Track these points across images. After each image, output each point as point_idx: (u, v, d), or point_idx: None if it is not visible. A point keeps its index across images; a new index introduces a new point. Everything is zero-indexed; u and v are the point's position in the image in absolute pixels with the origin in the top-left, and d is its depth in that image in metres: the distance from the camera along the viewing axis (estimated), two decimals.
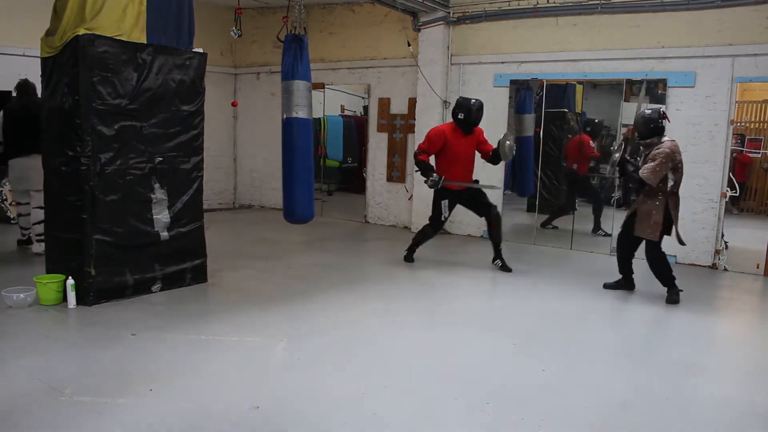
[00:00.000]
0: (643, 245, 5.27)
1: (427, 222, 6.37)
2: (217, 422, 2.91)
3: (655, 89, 7.09)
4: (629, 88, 7.26)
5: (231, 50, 10.29)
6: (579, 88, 7.80)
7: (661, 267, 5.20)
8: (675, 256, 6.79)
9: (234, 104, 9.92)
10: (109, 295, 4.64)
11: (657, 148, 5.00)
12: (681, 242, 5.16)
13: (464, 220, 8.21)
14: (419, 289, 5.66)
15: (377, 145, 9.03)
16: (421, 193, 8.36)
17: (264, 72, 10.10)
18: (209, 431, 2.85)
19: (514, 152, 6.27)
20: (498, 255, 6.25)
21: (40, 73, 4.75)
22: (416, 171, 6.30)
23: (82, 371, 3.41)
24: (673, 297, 5.14)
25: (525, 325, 4.61)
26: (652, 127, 5.08)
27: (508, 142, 6.11)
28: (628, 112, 7.40)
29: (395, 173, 8.86)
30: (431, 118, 8.16)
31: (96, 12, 4.45)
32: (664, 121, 5.11)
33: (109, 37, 4.48)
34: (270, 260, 6.39)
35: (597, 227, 7.80)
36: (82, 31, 4.36)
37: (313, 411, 3.05)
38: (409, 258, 6.51)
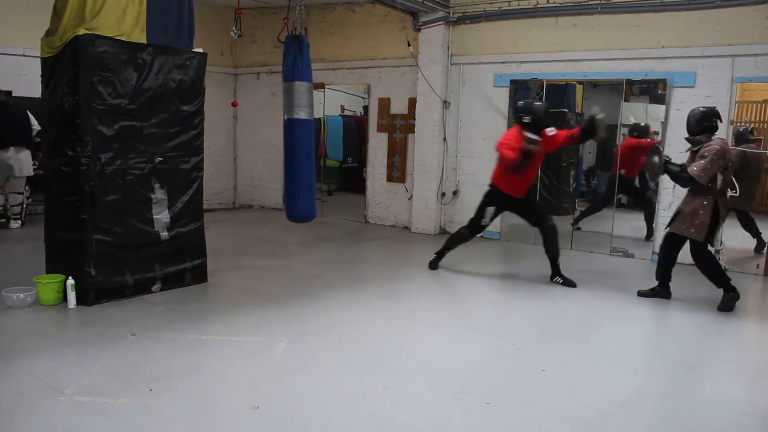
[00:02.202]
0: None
1: (465, 225, 5.99)
2: (217, 422, 2.91)
3: (655, 89, 7.09)
4: (629, 88, 7.26)
5: (231, 50, 10.29)
6: (579, 88, 7.79)
7: (711, 268, 4.99)
8: None
9: (234, 104, 9.92)
10: (109, 295, 4.64)
11: (707, 146, 4.81)
12: (714, 245, 5.01)
13: (464, 220, 8.16)
14: (419, 289, 5.66)
15: (377, 145, 9.03)
16: (420, 193, 8.38)
17: (264, 72, 10.11)
18: (209, 431, 2.85)
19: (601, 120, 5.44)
20: (557, 271, 5.70)
21: (40, 73, 4.74)
22: (531, 146, 5.25)
23: (82, 371, 3.41)
24: (726, 303, 4.93)
25: (525, 325, 4.62)
26: (705, 125, 4.87)
27: (599, 116, 5.33)
28: (629, 112, 7.42)
29: (395, 173, 8.86)
30: (431, 118, 8.17)
31: (96, 12, 4.45)
32: (717, 121, 4.92)
33: (109, 37, 4.48)
34: (270, 260, 6.39)
35: (650, 234, 7.29)
36: (82, 31, 4.36)
37: (313, 411, 3.05)
38: (434, 265, 6.12)
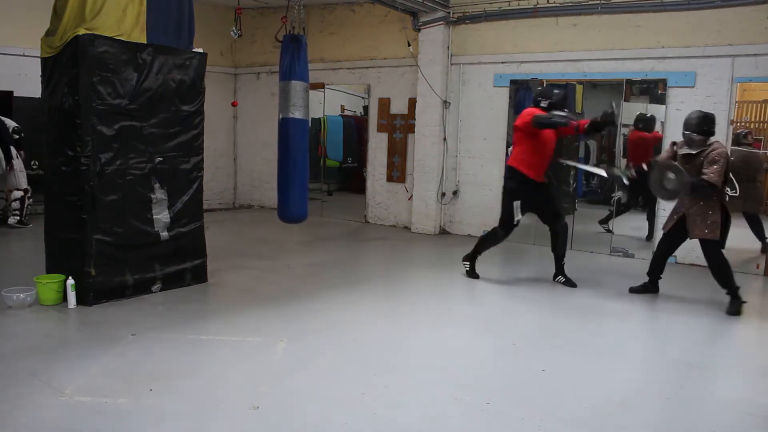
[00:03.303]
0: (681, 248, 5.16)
1: (497, 225, 5.78)
2: (217, 422, 2.91)
3: (655, 89, 7.09)
4: (629, 88, 7.26)
5: (231, 50, 10.30)
6: (579, 88, 7.79)
7: (723, 270, 4.96)
8: (675, 257, 6.79)
9: (234, 104, 9.92)
10: (109, 295, 4.64)
11: (714, 150, 4.82)
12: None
13: (464, 220, 8.22)
14: (419, 289, 5.66)
15: (377, 145, 9.04)
16: (420, 193, 8.38)
17: (264, 72, 10.11)
18: (209, 431, 2.85)
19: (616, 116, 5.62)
20: (560, 271, 5.68)
21: (40, 73, 4.74)
22: (559, 117, 5.28)
23: (82, 371, 3.41)
24: (735, 307, 4.89)
25: (525, 325, 4.62)
26: (705, 129, 4.87)
27: (612, 110, 5.23)
28: (628, 112, 7.42)
29: (395, 173, 8.86)
30: (431, 118, 8.17)
31: (96, 12, 4.45)
32: (714, 127, 4.95)
33: (109, 37, 4.48)
34: (270, 260, 6.39)
35: (651, 234, 7.28)
36: (82, 31, 4.36)
37: (313, 411, 3.05)
38: (472, 272, 5.86)
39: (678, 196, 4.95)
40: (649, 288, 5.45)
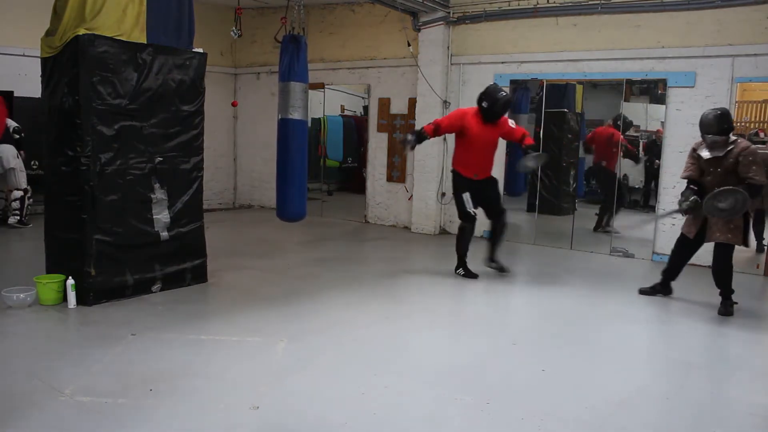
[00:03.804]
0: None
1: (460, 222, 5.94)
2: (217, 422, 2.91)
3: (655, 89, 7.09)
4: (629, 88, 7.26)
5: (231, 50, 10.29)
6: (579, 88, 7.79)
7: (727, 273, 4.91)
8: None
9: (234, 104, 9.92)
10: (109, 295, 4.64)
11: (741, 149, 4.69)
12: (747, 245, 4.93)
13: None
14: (419, 289, 5.66)
15: (377, 145, 9.03)
16: (420, 193, 8.38)
17: (264, 72, 10.10)
18: (209, 431, 2.85)
19: (528, 168, 6.08)
20: (494, 256, 5.95)
21: (40, 73, 4.74)
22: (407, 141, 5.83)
23: (82, 371, 3.41)
24: (728, 308, 4.91)
25: (525, 325, 4.62)
26: (725, 128, 4.73)
27: (529, 164, 5.89)
28: (628, 112, 7.42)
29: (395, 173, 8.86)
30: (431, 118, 8.12)
31: (96, 12, 4.44)
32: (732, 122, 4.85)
33: (109, 37, 4.48)
34: (270, 260, 6.39)
35: (599, 226, 7.75)
36: (82, 31, 4.36)
37: (313, 411, 3.05)
38: (469, 274, 5.88)
39: (741, 210, 4.68)
40: (659, 289, 5.32)
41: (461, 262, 5.93)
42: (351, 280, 5.71)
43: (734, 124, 4.84)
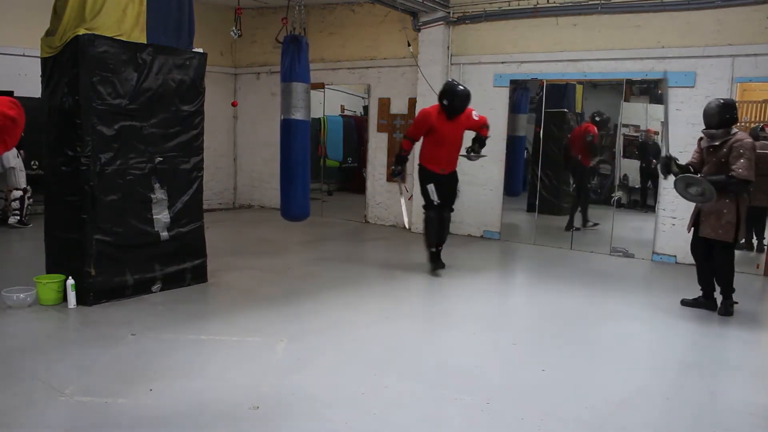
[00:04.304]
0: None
1: (424, 212, 6.05)
2: (217, 422, 2.91)
3: (655, 89, 7.09)
4: (629, 88, 7.26)
5: (231, 50, 10.29)
6: (579, 88, 7.79)
7: (729, 274, 4.82)
8: (675, 257, 6.80)
9: (234, 104, 9.92)
10: (109, 295, 4.64)
11: (737, 142, 4.57)
12: (740, 242, 4.80)
13: (464, 220, 8.21)
14: (419, 289, 5.66)
15: (377, 145, 9.03)
16: (420, 193, 8.36)
17: (264, 72, 10.11)
18: (209, 431, 2.85)
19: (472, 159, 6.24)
20: (436, 257, 6.00)
21: (40, 73, 4.74)
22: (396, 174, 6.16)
23: (82, 371, 3.41)
24: (728, 308, 4.84)
25: (525, 325, 4.61)
26: (727, 117, 4.62)
27: (472, 160, 6.18)
28: (628, 112, 7.42)
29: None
30: None
31: (96, 12, 4.45)
32: (736, 112, 4.70)
33: (109, 37, 4.48)
34: (270, 260, 6.39)
35: (572, 222, 7.89)
36: (82, 31, 4.36)
37: (313, 411, 3.05)
38: (435, 264, 6.00)
39: (710, 199, 4.66)
40: (701, 303, 5.02)
41: (431, 254, 6.06)
42: (351, 280, 5.71)
43: (737, 116, 4.72)
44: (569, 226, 7.87)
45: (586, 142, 7.84)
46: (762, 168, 6.60)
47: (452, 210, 6.12)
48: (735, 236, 4.75)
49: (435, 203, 5.93)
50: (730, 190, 4.66)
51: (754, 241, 6.74)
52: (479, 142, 6.09)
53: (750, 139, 4.68)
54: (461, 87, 5.76)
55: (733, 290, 4.92)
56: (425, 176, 5.94)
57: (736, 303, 4.96)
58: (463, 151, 6.06)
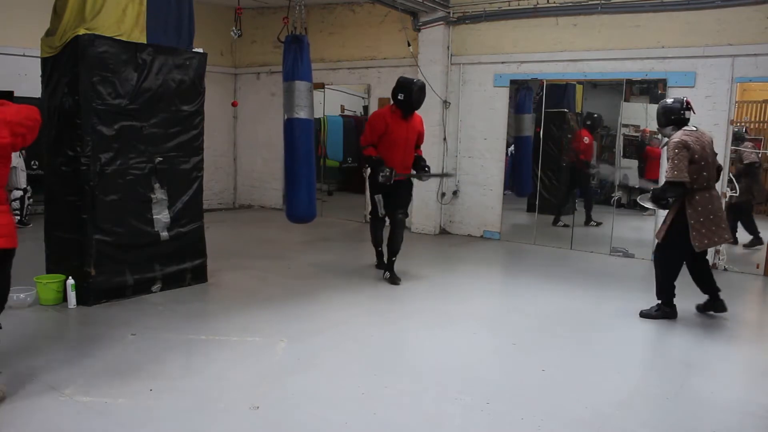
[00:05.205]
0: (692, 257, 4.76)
1: (371, 217, 5.95)
2: (217, 422, 2.91)
3: (655, 89, 7.09)
4: (629, 88, 7.26)
5: (231, 50, 10.29)
6: (579, 88, 7.79)
7: (661, 275, 4.71)
8: None
9: (234, 104, 9.92)
10: (109, 295, 4.64)
11: (668, 144, 4.54)
12: (696, 248, 4.52)
13: (464, 220, 8.22)
14: (419, 290, 5.65)
15: None
16: (420, 193, 8.37)
17: (264, 72, 10.11)
18: (209, 431, 2.85)
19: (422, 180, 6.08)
20: (389, 266, 5.70)
21: (40, 73, 4.74)
22: (365, 168, 5.71)
23: (82, 371, 3.41)
24: (651, 312, 4.74)
25: (525, 325, 4.61)
26: (672, 119, 4.59)
27: (424, 180, 6.01)
28: (628, 112, 7.43)
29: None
30: (431, 118, 8.14)
31: (96, 12, 4.45)
32: (684, 113, 4.61)
33: (109, 37, 4.48)
34: (270, 260, 6.39)
35: (559, 218, 8.12)
36: (82, 31, 4.36)
37: (313, 411, 3.05)
38: (380, 264, 5.97)
39: (656, 205, 4.76)
40: (710, 305, 4.83)
41: (379, 256, 6.00)
42: (351, 280, 5.71)
43: (685, 116, 4.61)
44: (556, 221, 8.09)
45: (584, 145, 7.95)
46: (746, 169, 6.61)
47: (406, 215, 5.84)
48: (666, 237, 4.62)
49: (380, 216, 5.77)
50: (667, 194, 4.55)
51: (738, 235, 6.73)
52: (418, 162, 5.82)
53: (677, 138, 4.48)
54: (416, 79, 5.58)
55: (667, 297, 4.71)
56: (376, 184, 5.65)
57: (673, 317, 4.71)
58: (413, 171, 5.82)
